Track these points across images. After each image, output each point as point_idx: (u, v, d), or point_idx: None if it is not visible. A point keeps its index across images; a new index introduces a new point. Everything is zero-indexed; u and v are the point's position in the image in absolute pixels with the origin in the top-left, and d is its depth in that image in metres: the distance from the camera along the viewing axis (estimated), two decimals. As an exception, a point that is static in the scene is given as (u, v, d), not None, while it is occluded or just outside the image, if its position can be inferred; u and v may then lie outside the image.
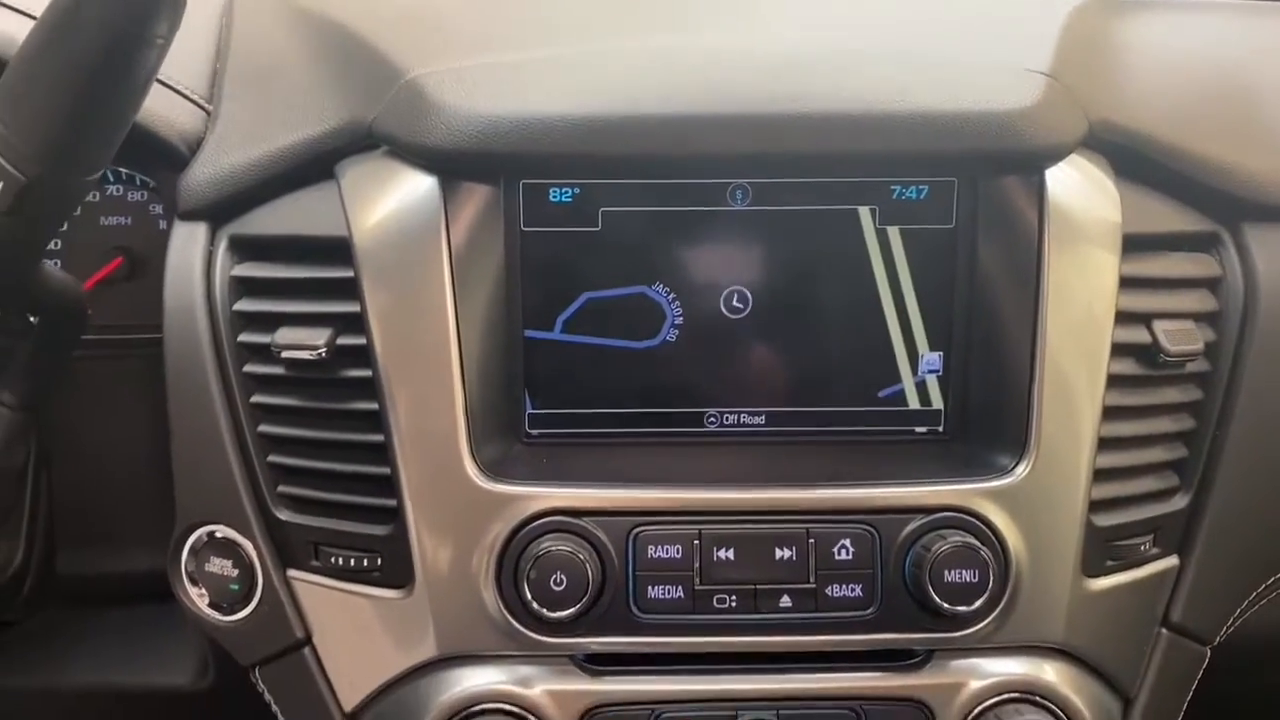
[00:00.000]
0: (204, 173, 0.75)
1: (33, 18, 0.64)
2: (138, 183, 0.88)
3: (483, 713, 0.69)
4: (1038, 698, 0.71)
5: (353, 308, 0.71)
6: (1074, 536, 0.72)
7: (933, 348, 0.76)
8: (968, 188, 0.74)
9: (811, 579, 0.70)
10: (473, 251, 0.72)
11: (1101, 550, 0.74)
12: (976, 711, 0.71)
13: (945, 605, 0.68)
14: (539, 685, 0.71)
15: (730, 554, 0.70)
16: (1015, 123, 0.70)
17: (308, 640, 0.74)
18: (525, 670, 0.71)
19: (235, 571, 0.75)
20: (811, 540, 0.70)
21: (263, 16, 0.85)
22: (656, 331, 0.76)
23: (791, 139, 0.70)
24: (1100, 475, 0.73)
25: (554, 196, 0.73)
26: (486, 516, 0.69)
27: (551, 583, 0.68)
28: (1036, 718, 0.70)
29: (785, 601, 0.71)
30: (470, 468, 0.70)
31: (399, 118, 0.71)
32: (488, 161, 0.70)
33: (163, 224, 0.88)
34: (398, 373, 0.70)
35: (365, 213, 0.71)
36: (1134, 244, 0.74)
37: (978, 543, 0.69)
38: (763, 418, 0.77)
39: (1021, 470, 0.71)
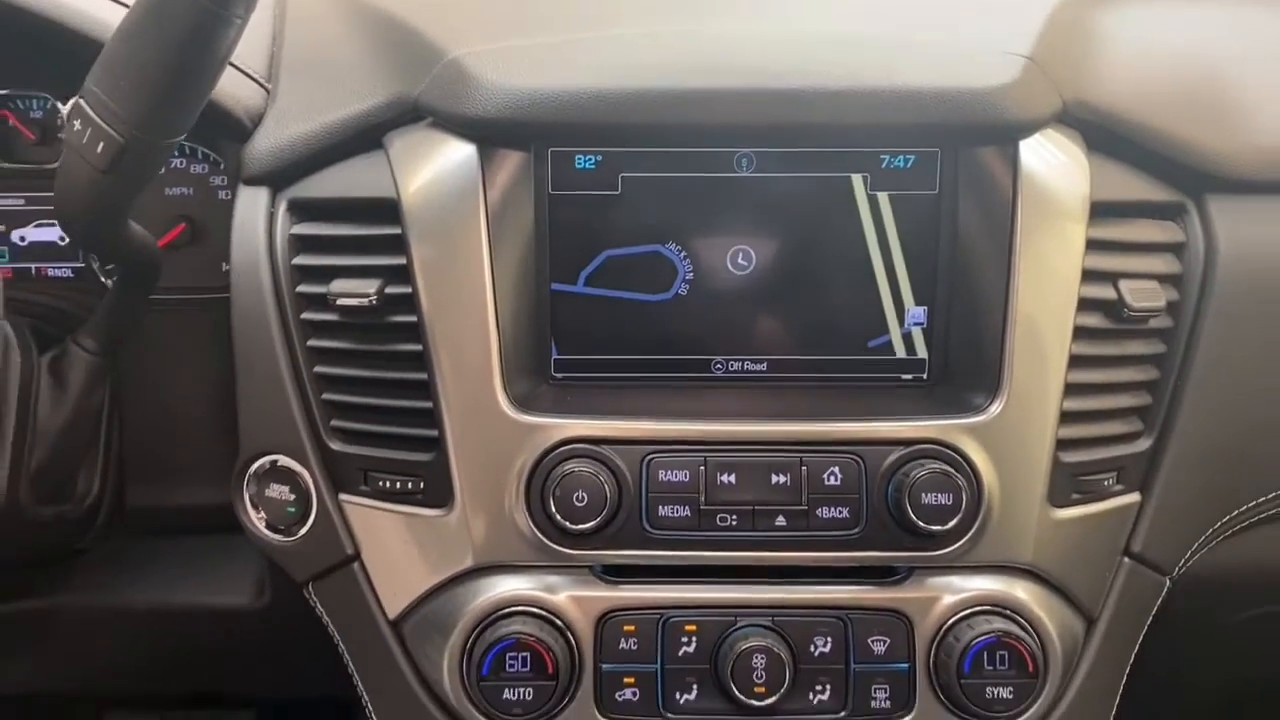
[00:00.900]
0: (266, 143, 0.83)
1: (126, 5, 0.73)
2: (199, 156, 0.97)
3: (512, 615, 0.77)
4: (1008, 611, 0.78)
5: (399, 261, 0.79)
6: (1042, 470, 0.79)
7: (918, 302, 0.83)
8: (950, 157, 0.81)
9: (803, 501, 0.78)
10: (506, 212, 0.80)
11: (1068, 484, 0.81)
12: (951, 622, 0.78)
13: (922, 525, 0.75)
14: (563, 591, 0.79)
15: (732, 479, 0.78)
16: (991, 99, 0.78)
17: (356, 556, 0.82)
18: (550, 579, 0.79)
19: (292, 496, 0.83)
20: (804, 468, 0.78)
21: (313, 5, 0.94)
22: (669, 286, 0.83)
23: (791, 112, 0.78)
24: (1067, 417, 0.80)
25: (579, 163, 0.81)
26: (517, 444, 0.77)
27: (574, 500, 0.76)
28: (1004, 625, 0.77)
29: (780, 521, 0.78)
30: (503, 401, 0.78)
31: (442, 92, 0.80)
32: (520, 131, 0.78)
33: (221, 195, 0.97)
34: (439, 318, 0.78)
35: (411, 177, 0.79)
36: (1103, 210, 0.81)
37: (953, 470, 0.76)
38: (764, 364, 0.84)
39: (994, 409, 0.78)
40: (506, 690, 0.76)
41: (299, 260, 0.82)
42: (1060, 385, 0.79)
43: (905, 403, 0.81)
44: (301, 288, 0.82)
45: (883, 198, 0.82)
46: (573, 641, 0.77)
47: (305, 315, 0.82)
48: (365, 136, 0.83)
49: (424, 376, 0.78)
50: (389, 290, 0.79)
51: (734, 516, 0.78)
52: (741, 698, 0.77)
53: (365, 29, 0.89)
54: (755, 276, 0.83)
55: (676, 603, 0.79)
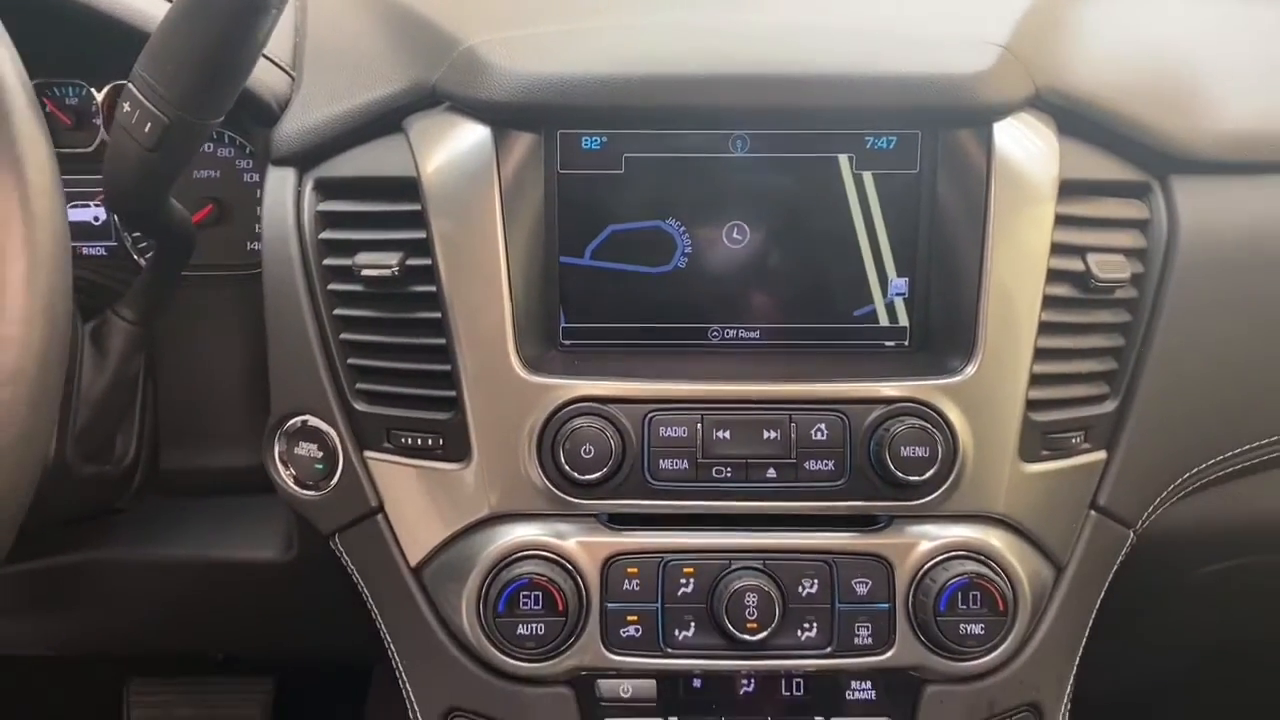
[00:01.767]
0: (293, 126, 0.89)
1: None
2: (226, 140, 1.03)
3: (525, 558, 0.83)
4: (980, 556, 0.84)
5: (420, 235, 0.84)
6: (1013, 427, 0.85)
7: (900, 274, 0.89)
8: (930, 139, 0.87)
9: (792, 455, 0.84)
10: (518, 189, 0.85)
11: (1038, 441, 0.87)
12: (928, 566, 0.84)
13: (901, 476, 0.82)
14: (571, 538, 0.85)
15: (727, 434, 0.84)
16: (967, 84, 0.84)
17: (380, 509, 0.88)
18: (560, 526, 0.85)
19: (320, 454, 0.89)
20: (793, 424, 0.84)
21: (333, 1, 1.00)
22: (669, 259, 0.89)
23: (782, 96, 0.84)
24: (1037, 379, 0.86)
25: (586, 144, 0.87)
26: (529, 403, 0.83)
27: (581, 453, 0.82)
28: (977, 568, 0.83)
29: (770, 473, 0.84)
30: (516, 364, 0.84)
31: (458, 78, 0.86)
32: (531, 113, 0.84)
33: (247, 178, 1.02)
34: (457, 288, 0.84)
35: (430, 157, 0.85)
36: (1073, 188, 0.87)
37: (931, 427, 0.82)
38: (757, 332, 0.90)
39: (969, 371, 0.84)
40: (520, 626, 0.83)
41: (325, 235, 0.87)
42: (1030, 350, 0.85)
43: (888, 366, 0.87)
44: (328, 261, 0.87)
45: (867, 177, 0.88)
46: (581, 583, 0.84)
47: (332, 286, 0.87)
48: (386, 120, 0.88)
49: (443, 342, 0.84)
50: (410, 262, 0.84)
51: (728, 469, 0.84)
52: (735, 633, 0.83)
53: (384, 21, 0.95)
54: (749, 250, 0.89)
55: (675, 548, 0.85)
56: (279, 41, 0.95)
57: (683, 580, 0.85)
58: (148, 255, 1.03)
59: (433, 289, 0.84)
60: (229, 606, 1.12)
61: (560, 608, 0.83)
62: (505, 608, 0.83)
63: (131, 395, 0.98)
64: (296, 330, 0.87)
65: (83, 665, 1.78)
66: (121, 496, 1.02)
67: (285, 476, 0.90)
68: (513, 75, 0.83)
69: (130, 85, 0.76)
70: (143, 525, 1.05)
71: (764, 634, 0.83)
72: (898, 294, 0.90)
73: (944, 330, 0.88)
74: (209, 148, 1.02)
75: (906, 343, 0.90)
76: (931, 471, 0.82)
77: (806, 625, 0.85)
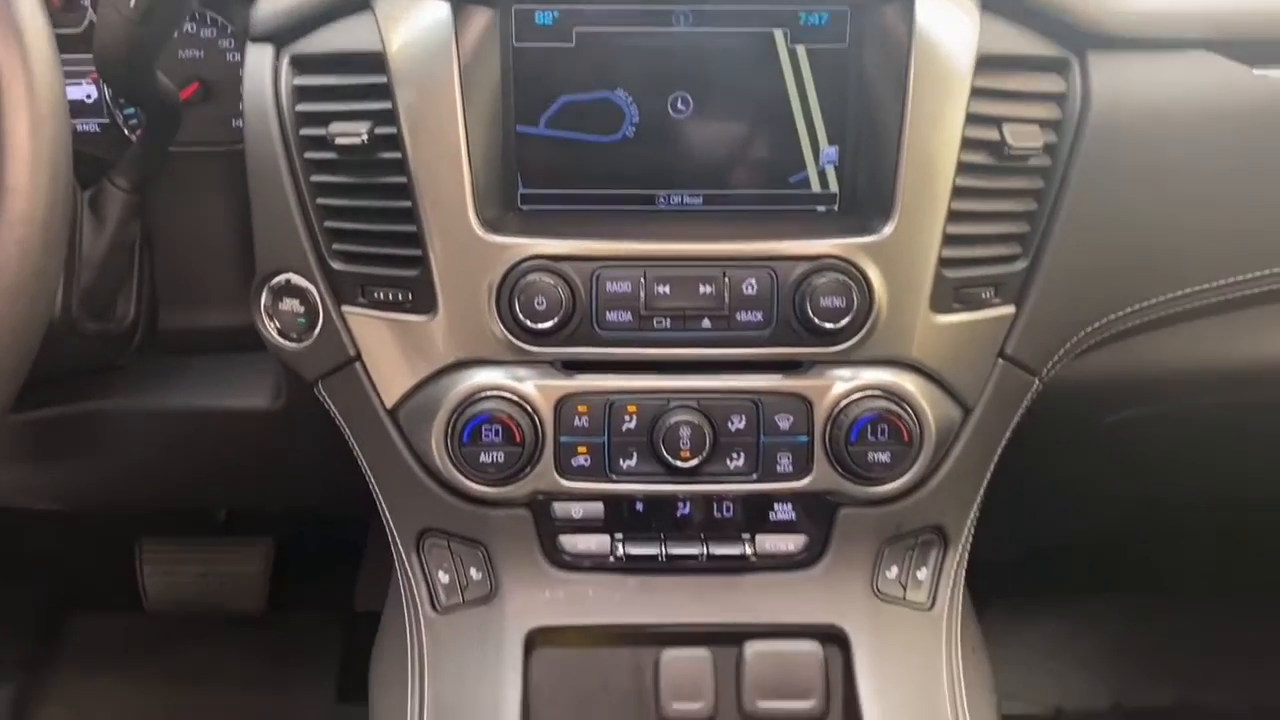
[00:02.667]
0: (269, 5, 0.93)
1: None
2: (209, 21, 1.08)
3: (487, 398, 0.92)
4: (892, 396, 0.93)
5: (386, 105, 0.89)
6: (926, 282, 0.92)
7: (830, 143, 0.95)
8: (858, 15, 0.92)
9: (725, 308, 0.91)
10: (476, 62, 0.90)
11: (949, 295, 0.94)
12: (844, 403, 0.93)
13: (819, 323, 0.90)
14: (528, 380, 0.93)
15: (667, 289, 0.91)
16: None
17: (357, 357, 0.96)
18: (519, 371, 0.93)
19: (302, 308, 0.96)
20: (726, 279, 0.91)
21: None
22: (618, 128, 0.95)
23: None
24: (951, 240, 0.92)
25: (539, 19, 0.92)
26: (488, 260, 0.90)
27: (535, 304, 0.89)
28: (887, 404, 0.92)
29: (706, 324, 0.92)
30: (475, 225, 0.90)
31: None
32: None
33: (230, 57, 1.08)
34: (420, 155, 0.89)
35: (394, 33, 0.89)
36: (991, 62, 0.91)
37: (849, 280, 0.90)
38: (700, 198, 0.97)
39: (887, 230, 0.90)
40: (483, 454, 0.93)
41: (301, 107, 0.93)
42: (944, 211, 0.91)
43: (815, 227, 0.94)
44: (304, 131, 0.93)
45: (801, 50, 0.93)
46: (536, 420, 0.93)
47: (308, 155, 0.93)
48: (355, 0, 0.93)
49: (409, 205, 0.91)
50: (378, 131, 0.90)
51: (668, 320, 0.92)
52: (672, 461, 0.93)
53: None
54: (692, 120, 0.95)
55: (621, 389, 0.94)
56: None
57: (627, 418, 0.94)
58: (138, 131, 1.10)
59: (399, 156, 0.90)
60: (226, 455, 1.23)
61: (518, 439, 0.92)
62: (469, 439, 0.92)
63: (129, 259, 1.07)
64: (277, 196, 0.94)
65: (97, 528, 1.91)
66: (123, 353, 1.11)
67: (271, 329, 0.98)
68: None
69: None
70: (143, 379, 1.13)
71: (696, 461, 0.93)
72: (829, 161, 0.96)
73: (869, 194, 0.95)
74: (193, 28, 1.07)
75: (836, 207, 0.97)
76: (847, 320, 0.90)
77: (735, 455, 0.95)
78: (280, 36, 0.94)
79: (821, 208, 0.98)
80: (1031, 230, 0.97)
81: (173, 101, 0.98)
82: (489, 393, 0.93)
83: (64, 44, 1.02)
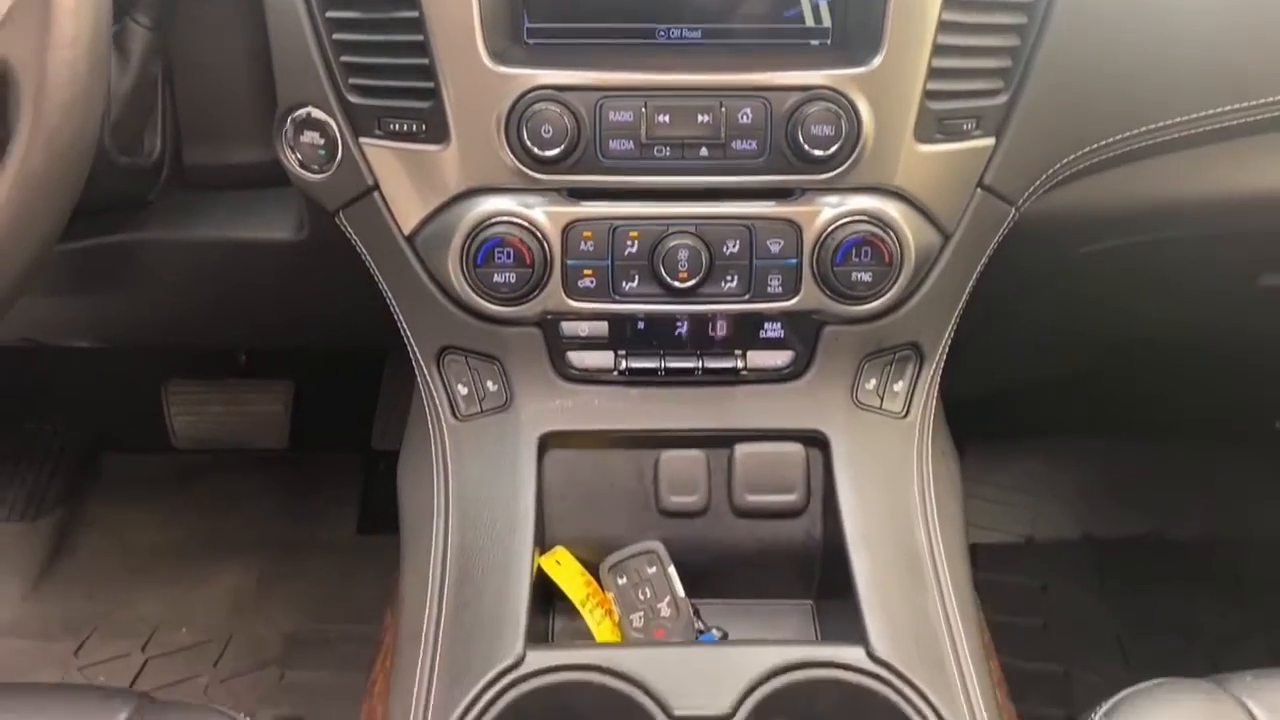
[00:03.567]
0: None
1: None
2: None
3: (498, 223, 0.99)
4: (876, 221, 0.99)
5: None
6: (911, 112, 0.97)
7: None
8: None
9: (722, 137, 0.97)
10: None
11: (933, 125, 0.99)
12: (832, 228, 1.00)
13: (810, 151, 0.96)
14: (537, 207, 0.99)
15: (667, 119, 0.97)
16: None
17: (376, 187, 1.02)
18: (528, 198, 0.99)
19: (322, 141, 1.01)
20: (723, 109, 0.96)
21: None
22: None
23: None
24: (936, 73, 0.96)
25: None
26: (497, 90, 0.95)
27: (542, 132, 0.95)
28: (870, 228, 0.98)
29: (703, 152, 0.97)
30: (484, 56, 0.95)
31: None
32: None
33: None
34: None
35: None
36: None
37: (838, 109, 0.95)
38: (699, 32, 1.00)
39: (875, 62, 0.95)
40: (496, 275, 1.00)
41: None
42: (930, 46, 0.96)
43: (808, 59, 0.99)
44: None
45: None
46: (545, 244, 1.00)
47: None
48: None
49: (421, 39, 0.95)
50: None
51: (667, 149, 0.98)
52: (670, 282, 1.00)
53: None
54: None
55: (623, 216, 1.00)
56: None
57: (629, 242, 1.01)
58: None
59: None
60: (252, 286, 1.30)
61: (528, 261, 1.00)
62: (483, 261, 1.00)
63: (153, 96, 1.11)
64: (295, 32, 0.98)
65: (126, 373, 2.01)
66: (151, 188, 1.17)
67: (293, 161, 1.03)
68: None
69: None
70: (171, 213, 1.19)
71: (693, 282, 1.00)
72: None
73: (860, 29, 0.99)
74: None
75: (829, 41, 1.02)
76: (836, 147, 0.96)
77: (729, 277, 1.02)
78: None
79: (815, 41, 1.02)
80: (1014, 65, 1.01)
81: None
82: (500, 218, 1.00)
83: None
